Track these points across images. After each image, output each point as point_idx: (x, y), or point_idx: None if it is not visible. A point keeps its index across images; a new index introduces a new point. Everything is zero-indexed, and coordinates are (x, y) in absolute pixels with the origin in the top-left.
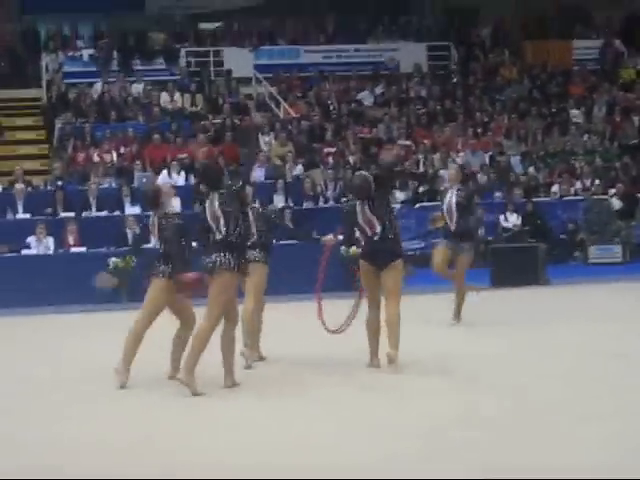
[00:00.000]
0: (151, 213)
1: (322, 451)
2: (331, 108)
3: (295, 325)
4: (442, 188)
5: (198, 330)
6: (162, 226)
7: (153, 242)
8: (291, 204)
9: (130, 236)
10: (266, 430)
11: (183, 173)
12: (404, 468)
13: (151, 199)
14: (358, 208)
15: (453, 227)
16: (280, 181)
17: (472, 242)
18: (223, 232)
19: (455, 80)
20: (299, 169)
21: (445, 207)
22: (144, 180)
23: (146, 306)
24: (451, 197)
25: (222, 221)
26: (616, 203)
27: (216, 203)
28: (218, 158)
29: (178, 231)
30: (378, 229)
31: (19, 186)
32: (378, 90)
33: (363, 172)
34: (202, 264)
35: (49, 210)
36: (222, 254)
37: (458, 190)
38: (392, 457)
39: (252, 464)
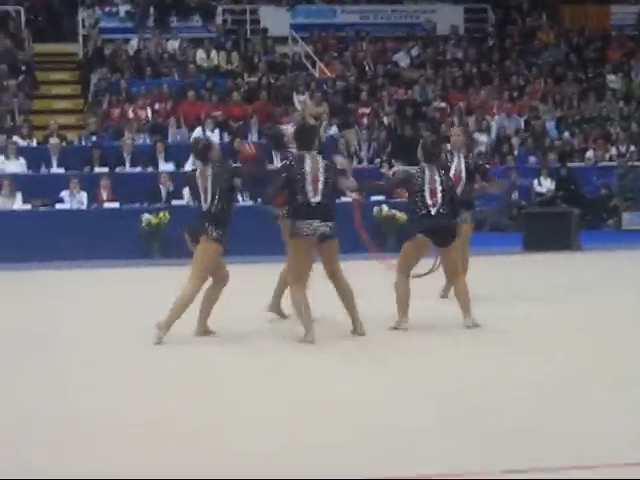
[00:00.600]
0: (197, 165)
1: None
2: (366, 69)
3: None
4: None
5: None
6: (216, 178)
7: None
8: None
9: (164, 192)
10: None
11: (217, 131)
12: (424, 432)
13: (200, 151)
14: (427, 172)
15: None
16: None
17: (473, 210)
18: (320, 195)
19: (492, 43)
20: (333, 129)
21: (453, 172)
22: (178, 137)
23: (196, 269)
24: (459, 163)
25: (320, 184)
26: None
27: (320, 164)
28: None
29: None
30: (439, 200)
31: (54, 141)
32: (414, 51)
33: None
34: (300, 228)
35: (87, 168)
36: (324, 222)
37: (465, 156)
38: (416, 421)
39: (285, 424)
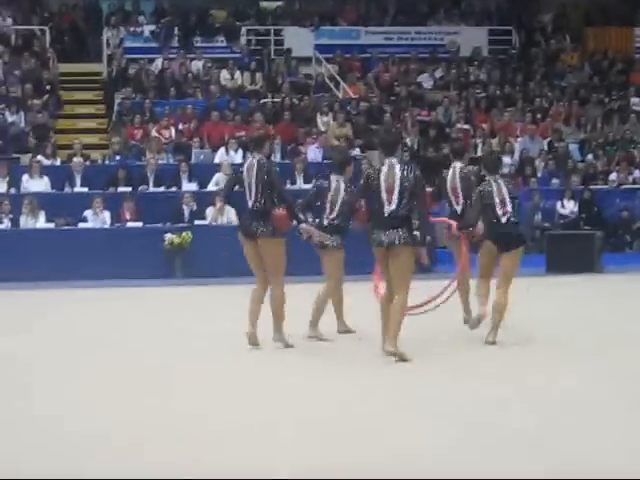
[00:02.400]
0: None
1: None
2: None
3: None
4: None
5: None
6: None
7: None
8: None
9: (186, 212)
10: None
11: (240, 151)
12: (438, 456)
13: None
14: (494, 186)
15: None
16: None
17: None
18: (394, 205)
19: (515, 65)
20: (357, 150)
21: (449, 185)
22: (201, 157)
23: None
24: (454, 173)
25: (396, 192)
26: None
27: (397, 170)
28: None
29: None
30: (509, 209)
31: (77, 160)
32: (438, 73)
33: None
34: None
35: (111, 189)
36: (397, 229)
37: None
38: (432, 444)
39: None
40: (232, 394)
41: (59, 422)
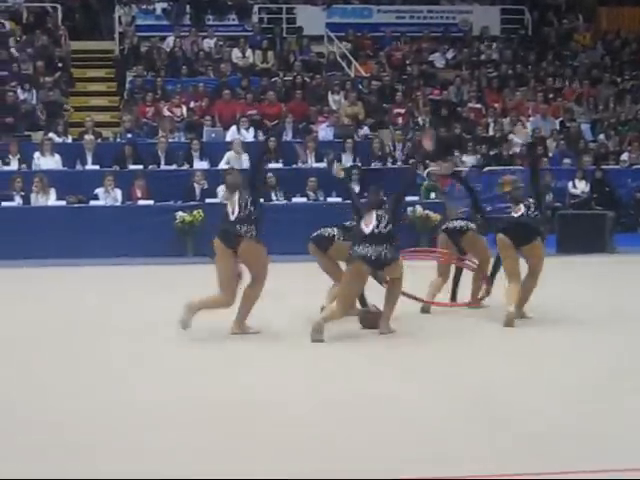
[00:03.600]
0: None
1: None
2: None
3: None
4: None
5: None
6: None
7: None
8: (359, 164)
9: (198, 191)
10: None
11: (252, 129)
12: (454, 434)
13: None
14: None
15: None
16: (349, 141)
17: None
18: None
19: (528, 44)
20: (366, 129)
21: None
22: (213, 135)
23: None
24: None
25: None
26: None
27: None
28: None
29: None
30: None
31: (89, 137)
32: (450, 52)
33: None
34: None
35: (117, 166)
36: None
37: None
38: (446, 422)
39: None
40: (235, 378)
41: (61, 401)
